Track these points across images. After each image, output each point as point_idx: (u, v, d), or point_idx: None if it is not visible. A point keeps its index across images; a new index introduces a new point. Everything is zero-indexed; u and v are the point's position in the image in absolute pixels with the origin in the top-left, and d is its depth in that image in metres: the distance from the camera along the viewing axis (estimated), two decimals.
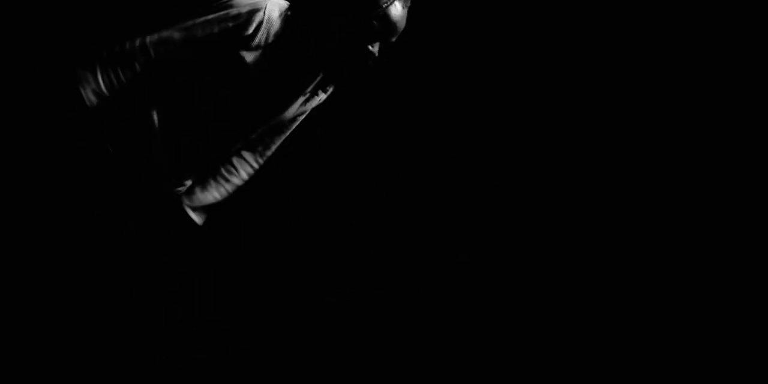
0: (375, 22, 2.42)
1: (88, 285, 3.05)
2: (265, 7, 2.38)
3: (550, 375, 3.49)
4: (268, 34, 2.42)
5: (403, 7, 2.46)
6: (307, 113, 2.82)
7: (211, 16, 2.38)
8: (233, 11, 2.37)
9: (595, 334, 3.58)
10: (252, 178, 3.00)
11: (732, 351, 3.49)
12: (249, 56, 2.42)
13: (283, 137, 2.83)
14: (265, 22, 2.40)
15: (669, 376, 3.47)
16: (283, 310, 3.50)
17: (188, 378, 3.21)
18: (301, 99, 2.67)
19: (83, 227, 2.94)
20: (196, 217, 2.72)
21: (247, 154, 2.79)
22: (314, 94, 2.67)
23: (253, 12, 2.37)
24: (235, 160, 2.78)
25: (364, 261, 3.65)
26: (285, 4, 2.46)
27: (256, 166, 2.81)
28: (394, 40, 2.51)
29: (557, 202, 3.71)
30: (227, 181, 2.77)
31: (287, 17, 2.44)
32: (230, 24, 2.38)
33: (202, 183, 2.76)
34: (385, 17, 2.43)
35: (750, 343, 3.50)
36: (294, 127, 2.83)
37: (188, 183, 2.74)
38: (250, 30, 2.39)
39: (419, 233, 3.71)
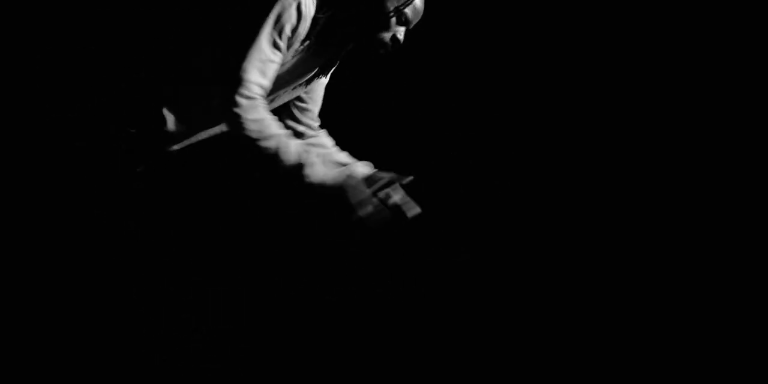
0: (407, 10, 2.50)
1: (88, 285, 3.05)
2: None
3: (551, 375, 3.49)
4: (306, 20, 2.47)
5: None
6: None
7: (277, 34, 2.43)
8: (285, 16, 2.40)
9: (595, 333, 3.57)
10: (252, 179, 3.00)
11: (732, 351, 3.49)
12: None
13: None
14: (308, 10, 2.45)
15: (669, 376, 3.47)
16: (283, 309, 3.50)
17: (188, 377, 3.21)
18: (298, 82, 2.68)
19: (83, 227, 2.94)
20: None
21: None
22: (315, 78, 2.69)
23: (299, 8, 2.42)
24: None
25: (365, 260, 3.65)
26: None
27: None
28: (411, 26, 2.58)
29: (558, 201, 3.71)
30: None
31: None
32: (288, 30, 2.42)
33: None
34: (414, 5, 2.51)
35: (750, 343, 3.50)
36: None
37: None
38: (303, 24, 2.46)
39: (420, 232, 3.70)
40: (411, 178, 2.59)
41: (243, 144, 2.45)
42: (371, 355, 3.47)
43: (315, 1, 2.46)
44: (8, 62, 2.81)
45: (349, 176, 2.55)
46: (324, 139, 2.81)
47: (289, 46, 2.46)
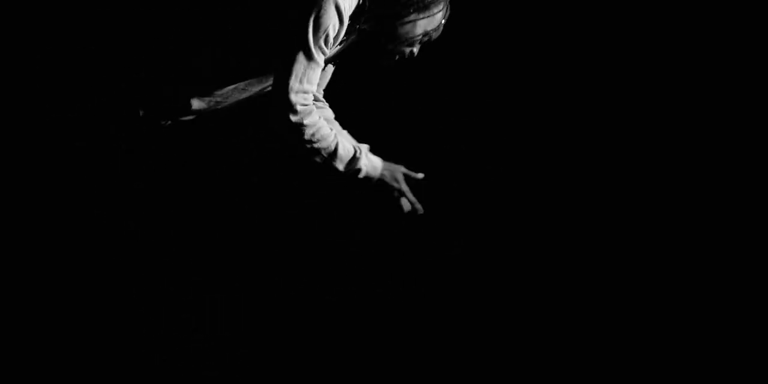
0: (433, 34, 2.60)
1: (88, 285, 3.05)
2: None
3: (549, 373, 3.48)
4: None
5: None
6: None
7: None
8: (326, 18, 2.41)
9: (592, 329, 3.57)
10: (252, 179, 2.99)
11: (732, 351, 3.49)
12: None
13: None
14: (346, 13, 2.47)
15: (669, 376, 3.47)
16: (283, 310, 3.49)
17: (187, 378, 3.21)
18: None
19: (83, 227, 2.94)
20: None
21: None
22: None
23: (338, 9, 2.43)
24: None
25: (364, 258, 3.65)
26: None
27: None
28: None
29: (553, 194, 3.71)
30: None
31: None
32: (332, 34, 2.45)
33: None
34: (439, 29, 2.61)
35: (750, 343, 3.50)
36: None
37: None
38: (343, 28, 2.49)
39: (414, 227, 3.70)
40: (421, 175, 2.74)
41: (295, 149, 2.50)
42: (371, 356, 3.46)
43: (353, 7, 2.48)
44: (8, 62, 2.81)
45: (394, 171, 2.67)
46: (329, 112, 2.84)
47: (330, 47, 2.48)
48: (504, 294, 3.65)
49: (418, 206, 2.75)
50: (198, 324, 3.30)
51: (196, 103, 2.62)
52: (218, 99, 2.64)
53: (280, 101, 2.43)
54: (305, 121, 2.44)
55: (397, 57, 2.60)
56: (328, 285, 3.58)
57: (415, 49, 2.61)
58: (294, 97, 2.41)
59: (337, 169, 2.57)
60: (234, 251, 3.48)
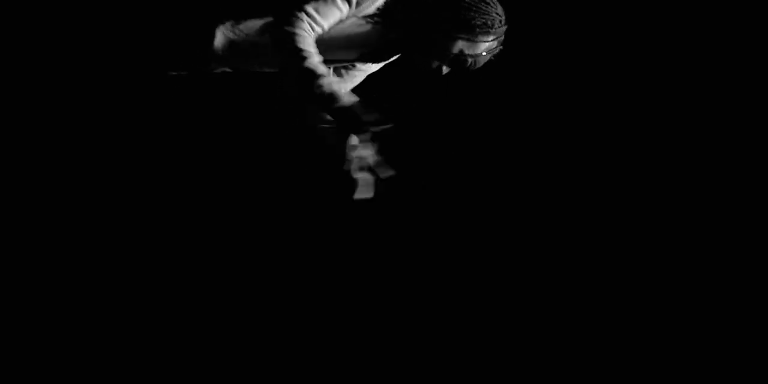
0: (469, 59, 2.56)
1: (89, 285, 3.06)
2: None
3: (550, 374, 3.49)
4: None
5: None
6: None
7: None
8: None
9: (593, 332, 3.58)
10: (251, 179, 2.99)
11: (732, 351, 3.50)
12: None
13: None
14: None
15: (669, 376, 3.48)
16: (283, 309, 3.50)
17: (188, 377, 3.21)
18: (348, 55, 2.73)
19: (84, 226, 2.94)
20: None
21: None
22: (361, 61, 2.74)
23: None
24: None
25: (365, 260, 3.66)
26: None
27: None
28: None
29: (555, 200, 3.72)
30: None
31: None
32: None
33: None
34: (478, 59, 2.58)
35: (750, 343, 3.51)
36: None
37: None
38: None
39: (417, 231, 3.71)
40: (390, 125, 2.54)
41: (281, 58, 2.45)
42: (371, 355, 3.47)
43: None
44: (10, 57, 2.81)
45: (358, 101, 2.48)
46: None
47: (358, 4, 2.48)
48: (503, 294, 3.66)
49: (390, 172, 2.57)
50: (198, 324, 3.31)
51: (219, 37, 2.60)
52: (242, 36, 2.62)
53: (283, 13, 2.42)
54: (296, 30, 2.40)
55: (425, 68, 2.59)
56: (328, 285, 3.59)
57: (444, 68, 2.59)
58: (294, 15, 2.41)
59: (306, 83, 2.44)
60: (234, 251, 3.49)
